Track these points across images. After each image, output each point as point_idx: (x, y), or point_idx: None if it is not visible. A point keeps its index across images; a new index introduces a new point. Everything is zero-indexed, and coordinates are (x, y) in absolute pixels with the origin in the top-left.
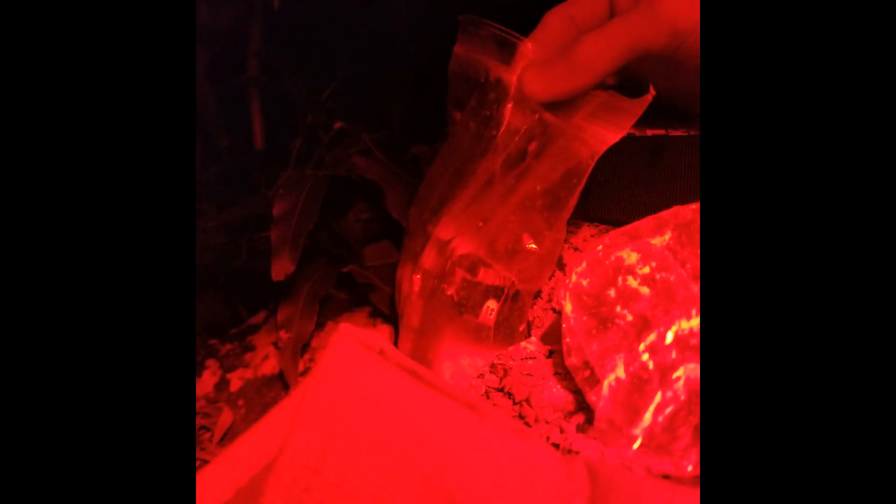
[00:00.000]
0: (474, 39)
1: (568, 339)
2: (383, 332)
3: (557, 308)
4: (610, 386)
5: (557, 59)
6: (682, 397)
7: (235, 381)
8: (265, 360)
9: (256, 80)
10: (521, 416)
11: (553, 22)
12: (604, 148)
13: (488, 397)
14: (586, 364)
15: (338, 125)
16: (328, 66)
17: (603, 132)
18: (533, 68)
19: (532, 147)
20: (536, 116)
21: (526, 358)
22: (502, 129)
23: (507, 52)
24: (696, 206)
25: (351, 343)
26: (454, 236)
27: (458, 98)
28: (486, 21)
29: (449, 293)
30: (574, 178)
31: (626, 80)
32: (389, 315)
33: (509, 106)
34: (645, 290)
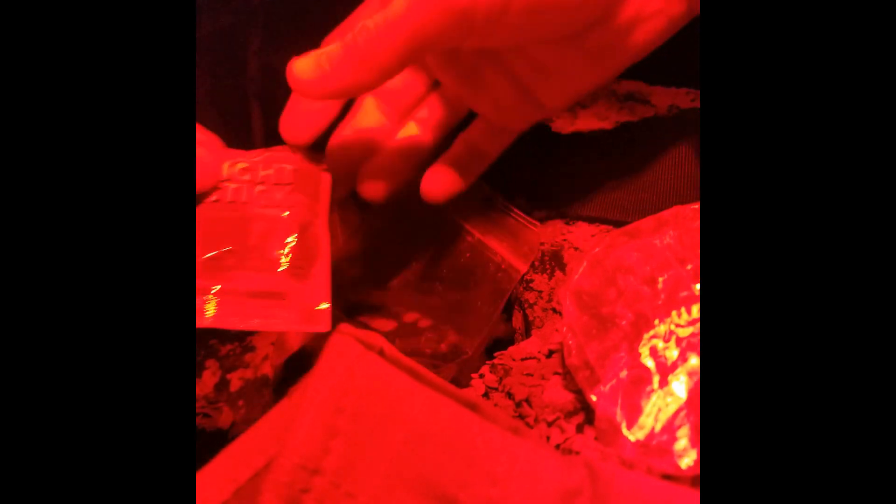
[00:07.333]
0: None
1: (568, 339)
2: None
3: (557, 308)
4: (610, 386)
5: (335, 48)
6: (683, 397)
7: (235, 381)
8: (265, 361)
9: (256, 80)
10: (521, 416)
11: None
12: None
13: (488, 397)
14: (586, 364)
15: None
16: None
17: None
18: (306, 57)
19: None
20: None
21: (526, 358)
22: None
23: None
24: (696, 205)
25: (350, 343)
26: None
27: None
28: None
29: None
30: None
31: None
32: None
33: None
34: (645, 290)
